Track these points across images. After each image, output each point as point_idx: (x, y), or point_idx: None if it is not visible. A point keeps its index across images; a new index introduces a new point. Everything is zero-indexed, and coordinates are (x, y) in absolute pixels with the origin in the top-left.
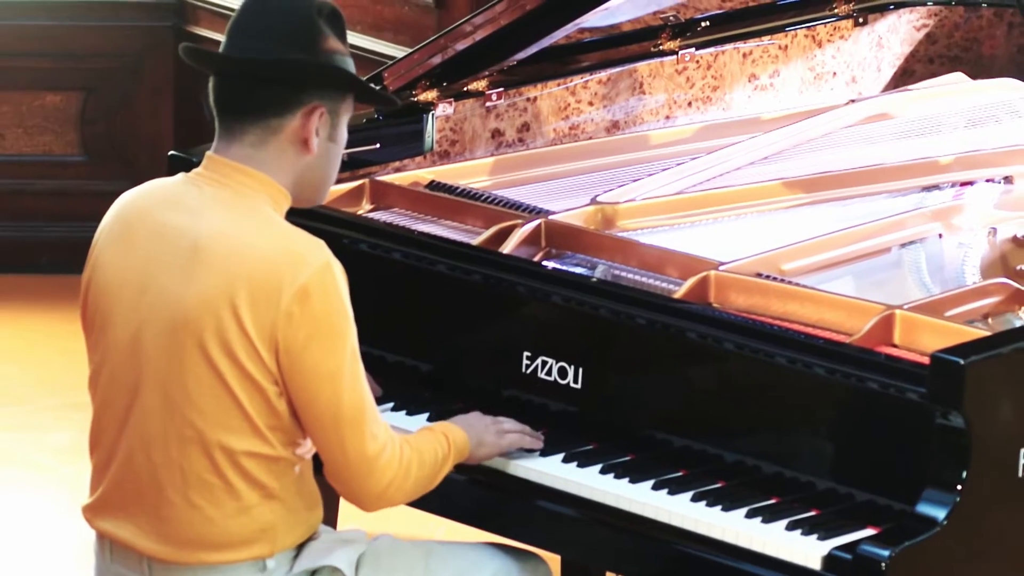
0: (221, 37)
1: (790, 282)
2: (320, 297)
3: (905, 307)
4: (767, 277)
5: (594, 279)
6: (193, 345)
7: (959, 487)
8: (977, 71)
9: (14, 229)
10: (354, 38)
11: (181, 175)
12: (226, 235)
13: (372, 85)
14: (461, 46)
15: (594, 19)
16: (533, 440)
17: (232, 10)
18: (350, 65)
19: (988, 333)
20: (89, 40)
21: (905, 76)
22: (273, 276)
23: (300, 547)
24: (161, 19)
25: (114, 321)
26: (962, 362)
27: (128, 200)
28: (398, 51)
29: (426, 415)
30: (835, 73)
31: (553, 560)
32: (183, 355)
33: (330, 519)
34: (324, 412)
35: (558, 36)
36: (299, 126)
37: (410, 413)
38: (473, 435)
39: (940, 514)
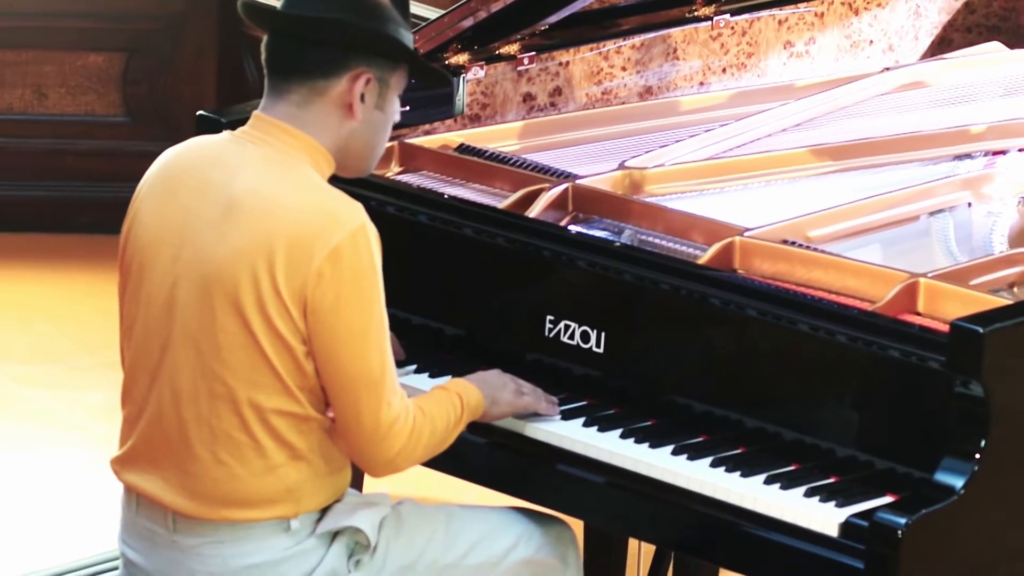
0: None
1: (815, 249)
2: (352, 259)
3: (929, 275)
4: (793, 244)
5: (618, 244)
6: (225, 301)
7: (977, 456)
8: (1015, 41)
9: (55, 188)
10: None
11: (227, 132)
12: (262, 193)
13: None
14: (493, 9)
15: None
16: (549, 406)
17: None
18: (406, 38)
19: (1011, 302)
20: (132, 1)
21: (943, 45)
22: (307, 235)
23: (324, 510)
24: None
25: (150, 275)
26: (981, 331)
27: (171, 156)
28: (433, 13)
29: (448, 378)
30: (872, 41)
31: (577, 525)
32: (215, 311)
33: (356, 482)
34: (344, 374)
35: (591, 0)
36: (345, 90)
37: (432, 376)
38: (488, 393)
39: (958, 483)
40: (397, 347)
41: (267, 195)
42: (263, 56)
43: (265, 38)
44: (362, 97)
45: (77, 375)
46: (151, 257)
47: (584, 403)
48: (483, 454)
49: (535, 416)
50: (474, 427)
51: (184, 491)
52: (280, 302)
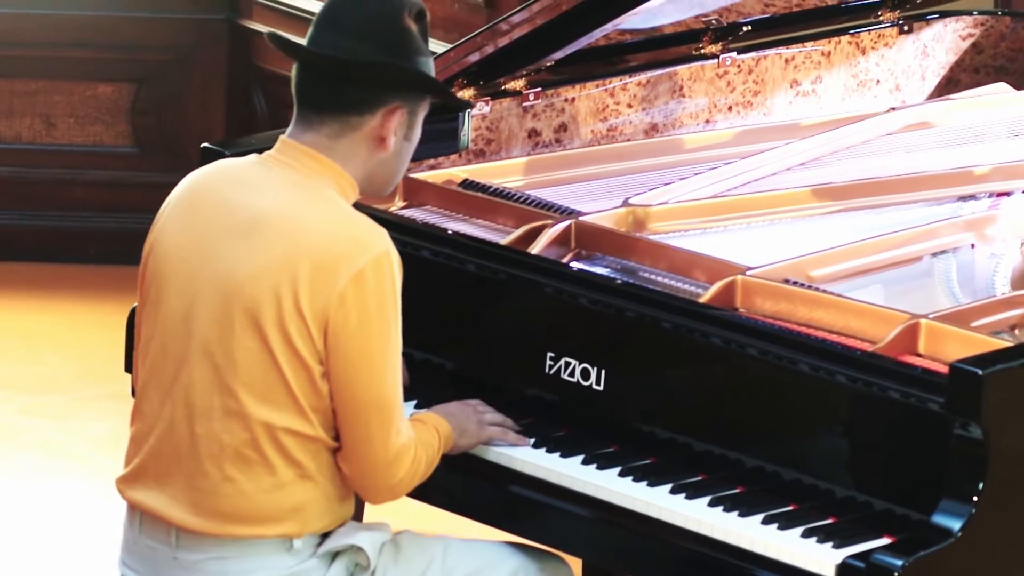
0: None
1: (817, 288)
2: (375, 284)
3: (931, 316)
4: (795, 283)
5: (619, 281)
6: (245, 317)
7: (975, 498)
8: (1022, 82)
9: (63, 219)
10: None
11: (253, 156)
12: (287, 213)
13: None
14: (499, 44)
15: (635, 21)
16: (518, 437)
17: (287, 5)
18: (430, 67)
19: (1012, 344)
20: (142, 32)
21: (950, 85)
22: (333, 257)
23: (325, 535)
24: (215, 12)
25: (169, 292)
26: (980, 372)
27: (196, 176)
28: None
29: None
30: (879, 81)
31: (575, 562)
32: (234, 327)
33: (356, 515)
34: (358, 397)
35: (596, 36)
36: (378, 125)
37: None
38: (456, 424)
39: (955, 525)
40: (404, 372)
41: (293, 216)
42: (293, 84)
43: (296, 67)
44: (395, 130)
45: (82, 406)
46: (171, 274)
47: (584, 441)
48: (478, 490)
49: (529, 452)
50: (467, 459)
51: (190, 507)
52: (302, 322)
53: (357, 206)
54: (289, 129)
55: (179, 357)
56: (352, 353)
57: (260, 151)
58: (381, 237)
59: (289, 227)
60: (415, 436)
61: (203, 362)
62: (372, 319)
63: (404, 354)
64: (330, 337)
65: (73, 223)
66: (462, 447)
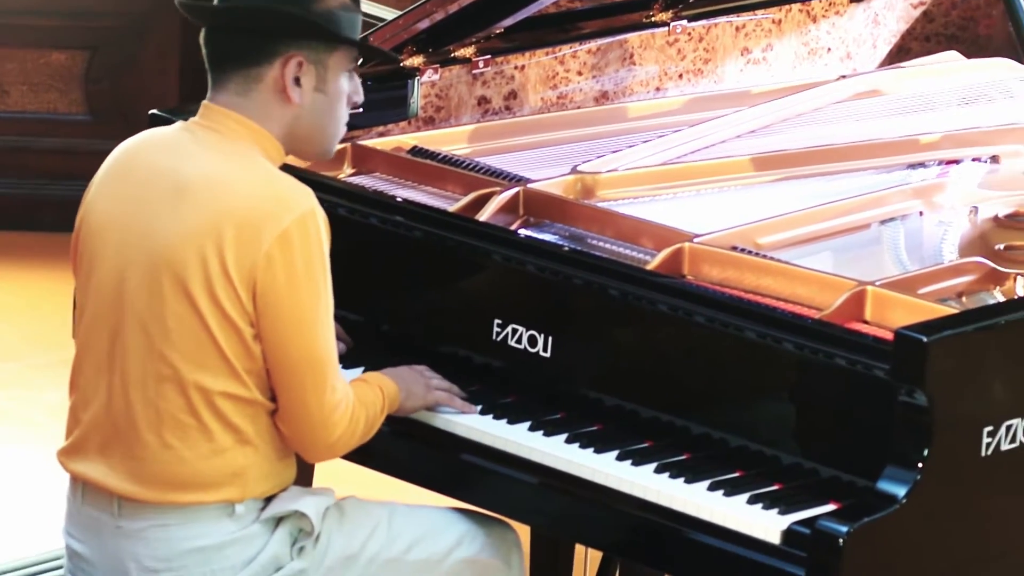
0: None
1: (764, 255)
2: (301, 243)
3: (877, 283)
4: (742, 250)
5: (566, 248)
6: (174, 283)
7: (920, 465)
8: (973, 51)
9: (17, 186)
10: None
11: (178, 123)
12: (211, 176)
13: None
14: (449, 11)
15: None
16: (464, 403)
17: None
18: (344, 20)
19: (959, 311)
20: None
21: (901, 54)
22: (256, 218)
23: (268, 499)
24: None
25: (100, 263)
26: (925, 340)
27: (123, 147)
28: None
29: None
30: (829, 49)
31: (523, 529)
32: (163, 293)
33: (307, 479)
34: (291, 357)
35: (545, 4)
36: (277, 75)
37: None
38: (403, 386)
39: (900, 491)
40: (345, 338)
41: (216, 179)
42: (203, 49)
43: (203, 31)
44: (297, 81)
45: (35, 373)
46: (101, 245)
47: (531, 408)
48: (426, 458)
49: (475, 418)
50: (413, 426)
51: (131, 476)
52: (229, 284)
53: (303, 173)
54: (208, 93)
55: (112, 327)
56: (282, 313)
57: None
58: (305, 196)
59: (213, 191)
60: (354, 394)
61: (136, 330)
62: (300, 278)
63: (351, 321)
64: (259, 298)
65: (27, 191)
66: (408, 409)
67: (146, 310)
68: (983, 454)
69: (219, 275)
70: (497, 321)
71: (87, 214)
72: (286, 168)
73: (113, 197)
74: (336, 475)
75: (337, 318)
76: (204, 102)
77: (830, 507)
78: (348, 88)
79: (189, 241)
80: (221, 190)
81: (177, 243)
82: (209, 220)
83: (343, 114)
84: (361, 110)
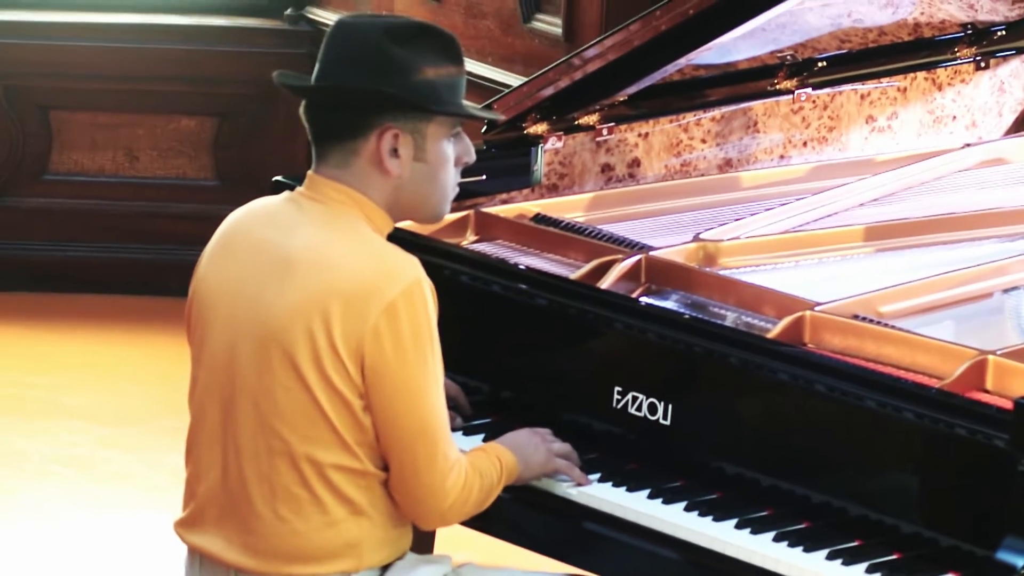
0: None
1: (885, 324)
2: (408, 314)
3: (999, 352)
4: (864, 319)
5: (687, 316)
6: (282, 358)
7: None
8: None
9: (146, 251)
10: (484, 70)
11: (285, 193)
12: (316, 249)
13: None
14: (574, 78)
15: (709, 56)
16: (582, 475)
17: None
18: (442, 86)
19: None
20: (225, 66)
21: None
22: (363, 291)
23: (385, 568)
24: (296, 46)
25: (211, 335)
26: None
27: (232, 218)
28: (515, 81)
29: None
30: (955, 117)
31: None
32: (272, 367)
33: (427, 547)
34: (401, 428)
35: (668, 72)
36: (375, 148)
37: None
38: (521, 456)
39: (1019, 562)
40: (464, 404)
41: (321, 252)
42: (303, 123)
43: (302, 105)
44: (395, 152)
45: (160, 437)
46: (212, 317)
47: (650, 475)
48: (545, 523)
49: (595, 486)
50: (534, 493)
51: (246, 549)
52: (337, 358)
53: (427, 241)
54: (313, 163)
55: (224, 399)
56: (391, 385)
57: None
58: (411, 266)
59: (318, 265)
60: (467, 461)
61: (247, 404)
62: (408, 349)
63: (473, 388)
64: (367, 371)
65: (155, 255)
66: (527, 478)
67: (256, 384)
68: None
69: (327, 349)
70: (618, 388)
71: (198, 285)
72: (410, 235)
73: (222, 270)
74: (458, 541)
75: (459, 384)
76: (309, 172)
77: None
78: (455, 151)
79: (296, 316)
80: (326, 264)
81: (284, 318)
82: (315, 295)
83: (450, 178)
84: (484, 176)
